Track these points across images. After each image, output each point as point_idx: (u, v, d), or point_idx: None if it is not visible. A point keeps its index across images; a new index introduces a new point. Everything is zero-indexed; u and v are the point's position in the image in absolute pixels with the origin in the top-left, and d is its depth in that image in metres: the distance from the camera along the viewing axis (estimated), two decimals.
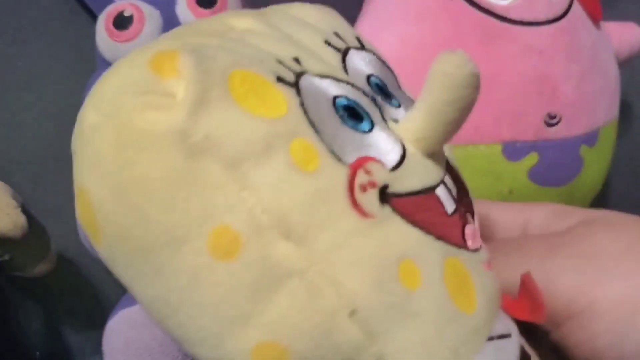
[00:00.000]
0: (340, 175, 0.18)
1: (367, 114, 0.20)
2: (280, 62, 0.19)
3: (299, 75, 0.19)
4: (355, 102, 0.19)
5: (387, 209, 0.18)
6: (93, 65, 0.38)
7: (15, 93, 0.42)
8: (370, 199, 0.18)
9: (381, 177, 0.18)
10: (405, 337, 0.18)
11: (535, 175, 0.37)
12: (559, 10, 0.37)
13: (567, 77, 0.37)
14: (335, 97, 0.19)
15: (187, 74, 0.16)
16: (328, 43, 0.21)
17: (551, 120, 0.37)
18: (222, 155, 0.16)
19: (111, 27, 0.35)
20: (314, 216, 0.17)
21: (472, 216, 0.22)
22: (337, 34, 0.22)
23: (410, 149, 0.20)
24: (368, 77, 0.21)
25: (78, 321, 0.42)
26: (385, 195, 0.18)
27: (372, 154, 0.19)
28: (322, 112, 0.18)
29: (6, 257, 0.34)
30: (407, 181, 0.19)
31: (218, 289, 0.17)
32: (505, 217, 0.27)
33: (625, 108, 0.45)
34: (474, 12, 0.36)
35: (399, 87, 0.24)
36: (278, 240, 0.17)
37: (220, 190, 0.16)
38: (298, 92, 0.18)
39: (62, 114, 0.41)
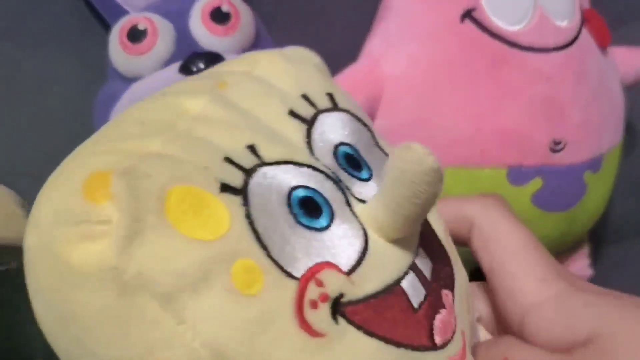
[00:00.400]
0: (287, 293, 0.17)
1: (327, 204, 0.19)
2: (229, 160, 0.18)
3: (250, 172, 0.18)
4: (314, 192, 0.19)
5: (341, 323, 0.17)
6: (103, 73, 0.38)
7: (23, 98, 0.42)
8: (320, 315, 0.17)
9: (335, 286, 0.17)
10: None
11: (538, 200, 0.38)
12: (568, 37, 0.38)
13: (573, 103, 0.37)
14: (291, 190, 0.18)
15: (119, 202, 0.16)
16: (293, 113, 0.21)
17: (556, 146, 0.37)
18: (156, 290, 0.16)
19: (125, 40, 0.35)
20: (256, 345, 0.16)
21: (452, 288, 0.22)
22: (305, 97, 0.21)
23: (373, 237, 0.19)
24: (336, 148, 0.21)
25: None
26: (338, 306, 0.17)
27: (327, 257, 0.18)
28: (273, 216, 0.18)
29: (13, 265, 0.34)
30: (366, 283, 0.18)
31: None
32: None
33: (628, 130, 0.46)
34: (484, 36, 0.36)
35: (376, 143, 0.23)
36: None
37: (156, 326, 0.16)
38: (245, 198, 0.17)
39: (70, 121, 0.41)
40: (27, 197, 0.38)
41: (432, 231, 0.22)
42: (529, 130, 0.36)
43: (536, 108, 0.36)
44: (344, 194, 0.20)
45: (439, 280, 0.21)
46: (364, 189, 0.21)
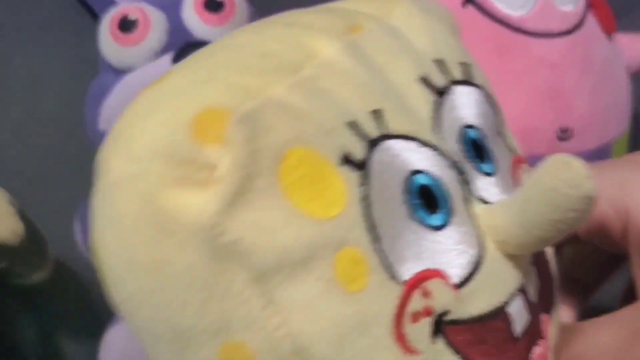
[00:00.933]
0: (389, 298, 0.14)
1: (446, 200, 0.16)
2: (353, 124, 0.15)
3: (374, 143, 0.15)
4: (436, 183, 0.16)
5: (439, 343, 0.15)
6: (95, 67, 0.37)
7: (14, 95, 0.41)
8: (420, 331, 0.15)
9: (441, 301, 0.15)
10: None
11: None
12: (572, 22, 0.37)
13: (579, 90, 0.36)
14: (412, 174, 0.16)
15: (234, 149, 0.13)
16: (424, 80, 0.17)
17: (563, 134, 0.36)
18: (251, 264, 0.14)
19: (116, 31, 0.34)
20: (345, 350, 0.14)
21: (549, 311, 0.19)
22: (439, 62, 0.18)
23: (490, 249, 0.17)
24: (464, 130, 0.18)
25: (75, 330, 0.41)
26: (440, 324, 0.15)
27: (437, 263, 0.15)
28: (389, 203, 0.15)
29: (3, 265, 0.33)
30: (474, 302, 0.16)
31: None
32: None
33: (636, 120, 0.45)
34: (487, 21, 0.35)
35: (501, 131, 0.20)
36: None
37: (241, 303, 0.14)
38: (365, 176, 0.15)
39: (63, 117, 0.40)
40: (18, 195, 0.37)
41: (541, 252, 0.20)
42: (534, 118, 0.35)
43: (541, 95, 0.35)
44: (464, 188, 0.17)
45: (541, 303, 0.18)
46: (486, 185, 0.18)
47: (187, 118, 0.14)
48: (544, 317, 0.18)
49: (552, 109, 0.36)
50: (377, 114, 0.16)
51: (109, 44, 0.34)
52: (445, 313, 0.15)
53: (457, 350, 0.15)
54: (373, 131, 0.15)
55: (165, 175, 0.13)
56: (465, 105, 0.18)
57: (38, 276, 0.36)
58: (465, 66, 0.19)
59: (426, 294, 0.15)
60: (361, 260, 0.14)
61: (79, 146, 0.39)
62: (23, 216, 0.33)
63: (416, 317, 0.15)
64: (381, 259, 0.15)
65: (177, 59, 0.33)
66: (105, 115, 0.34)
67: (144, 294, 0.14)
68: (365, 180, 0.15)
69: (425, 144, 0.16)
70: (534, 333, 0.17)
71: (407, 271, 0.15)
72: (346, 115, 0.15)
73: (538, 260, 0.19)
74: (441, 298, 0.15)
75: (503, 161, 0.19)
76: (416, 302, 0.15)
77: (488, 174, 0.18)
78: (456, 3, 0.35)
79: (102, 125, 0.34)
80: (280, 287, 0.14)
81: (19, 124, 0.41)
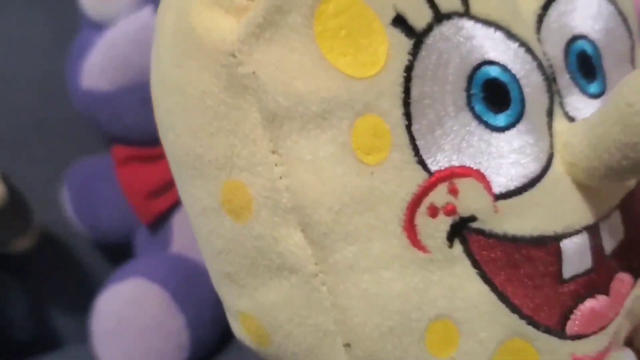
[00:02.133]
0: (409, 182, 0.13)
1: (521, 100, 0.14)
2: None
3: (443, 18, 0.13)
4: (511, 78, 0.14)
5: (457, 250, 0.14)
6: (74, 27, 0.36)
7: None
8: (435, 228, 0.13)
9: (471, 203, 0.13)
10: None
11: None
12: None
13: None
14: (483, 63, 0.14)
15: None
16: None
17: None
18: (266, 103, 0.13)
19: None
20: (348, 222, 0.13)
21: (636, 274, 0.17)
22: None
23: (558, 169, 0.15)
24: (573, 40, 0.16)
25: (65, 301, 0.40)
26: (463, 228, 0.13)
27: (482, 164, 0.14)
28: (441, 84, 0.13)
29: None
30: (514, 219, 0.14)
31: (220, 239, 0.15)
32: None
33: None
34: None
35: (632, 60, 0.18)
36: (291, 228, 0.14)
37: (249, 142, 0.13)
38: (417, 46, 0.13)
39: (43, 81, 0.39)
40: (1, 162, 0.35)
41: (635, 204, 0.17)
42: None
43: None
44: (552, 99, 0.15)
45: (622, 260, 0.16)
46: (584, 106, 0.16)
47: None
48: (623, 276, 0.16)
49: None
50: None
51: None
52: (472, 219, 0.14)
53: (477, 264, 0.14)
54: (451, 5, 0.14)
55: None
56: (585, 13, 0.16)
57: (22, 243, 0.34)
58: None
59: (454, 191, 0.13)
60: (384, 133, 0.13)
61: (62, 112, 0.38)
62: (5, 180, 0.31)
63: (434, 211, 0.13)
64: (410, 139, 0.13)
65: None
66: (89, 71, 0.32)
67: (170, 115, 0.14)
68: (415, 50, 0.13)
69: (514, 37, 0.14)
70: (592, 284, 0.15)
71: (440, 161, 0.14)
72: None
73: (628, 210, 0.16)
74: (470, 200, 0.14)
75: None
76: (439, 195, 0.13)
77: (593, 96, 0.16)
78: None
79: (85, 82, 0.32)
80: (290, 138, 0.13)
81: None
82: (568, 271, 0.15)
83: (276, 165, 0.13)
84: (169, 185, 0.32)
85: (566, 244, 0.15)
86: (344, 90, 0.13)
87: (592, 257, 0.15)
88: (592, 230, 0.15)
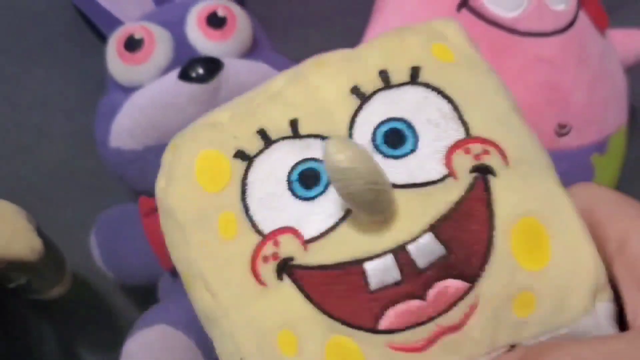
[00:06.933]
0: (250, 244, 0.21)
1: (322, 179, 0.21)
2: (261, 131, 0.22)
3: (270, 144, 0.22)
4: (319, 168, 0.21)
5: (285, 281, 0.20)
6: (101, 85, 0.38)
7: (24, 114, 0.42)
8: (268, 269, 0.20)
9: (287, 250, 0.21)
10: None
11: None
12: (565, 21, 0.37)
13: (576, 86, 0.37)
14: (299, 162, 0.22)
15: (165, 156, 0.24)
16: (355, 90, 0.23)
17: (562, 130, 0.37)
18: (176, 218, 0.22)
19: (122, 50, 0.35)
20: (222, 276, 0.21)
21: (470, 280, 0.20)
22: (383, 72, 0.23)
23: (356, 218, 0.20)
24: (378, 126, 0.22)
25: (94, 343, 0.41)
26: (286, 266, 0.20)
27: (294, 224, 0.21)
28: (273, 182, 0.22)
29: (22, 281, 0.34)
30: (322, 254, 0.20)
31: None
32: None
33: (633, 114, 0.45)
34: (482, 24, 0.36)
35: (460, 116, 0.22)
36: (203, 290, 0.21)
37: (174, 239, 0.22)
38: (249, 165, 0.22)
39: (72, 134, 0.42)
40: (33, 212, 0.38)
41: (484, 220, 0.20)
42: (533, 115, 0.36)
43: (539, 93, 0.36)
44: None
45: (442, 270, 0.20)
46: (395, 168, 0.21)
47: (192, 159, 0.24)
48: (449, 282, 0.20)
49: (550, 105, 0.36)
50: (293, 122, 0.22)
51: (117, 63, 0.35)
52: (290, 259, 0.20)
53: (301, 288, 0.20)
54: (278, 135, 0.22)
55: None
56: (388, 105, 0.22)
57: (56, 292, 0.37)
58: (414, 69, 0.23)
59: (276, 244, 0.21)
60: (233, 220, 0.21)
61: (90, 163, 0.40)
62: (40, 233, 0.34)
63: (267, 259, 0.21)
64: (248, 220, 0.21)
65: (183, 74, 0.33)
66: (117, 133, 0.35)
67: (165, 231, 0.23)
68: (248, 167, 0.22)
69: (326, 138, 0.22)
70: (404, 292, 0.20)
71: (268, 228, 0.21)
72: (261, 122, 0.22)
73: (448, 230, 0.20)
74: (286, 247, 0.21)
75: (435, 143, 0.22)
76: (268, 249, 0.21)
77: (402, 155, 0.21)
78: (450, 8, 0.36)
79: (113, 142, 0.35)
80: (191, 233, 0.22)
81: (30, 143, 0.42)
82: (375, 283, 0.20)
83: (189, 251, 0.22)
84: None
85: (368, 265, 0.20)
86: (210, 201, 0.22)
87: (400, 272, 0.20)
88: (398, 251, 0.20)
